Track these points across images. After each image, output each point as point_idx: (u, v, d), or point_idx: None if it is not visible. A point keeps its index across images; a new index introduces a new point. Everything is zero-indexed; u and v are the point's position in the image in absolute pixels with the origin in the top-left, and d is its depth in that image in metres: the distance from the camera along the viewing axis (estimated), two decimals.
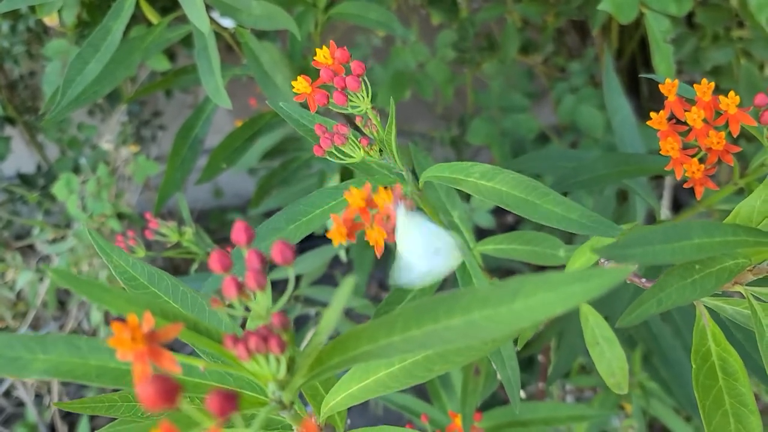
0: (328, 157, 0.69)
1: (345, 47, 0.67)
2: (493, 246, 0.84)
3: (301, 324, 1.50)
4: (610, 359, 0.70)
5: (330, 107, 0.67)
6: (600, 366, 0.70)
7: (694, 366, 0.55)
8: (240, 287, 0.37)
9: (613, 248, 0.46)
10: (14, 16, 1.73)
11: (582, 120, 1.39)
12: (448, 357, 0.42)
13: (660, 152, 0.72)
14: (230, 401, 0.26)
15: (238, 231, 0.38)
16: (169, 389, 0.26)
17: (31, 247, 1.99)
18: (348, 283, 0.33)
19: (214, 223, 2.37)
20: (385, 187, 0.63)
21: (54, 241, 1.83)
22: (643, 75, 0.77)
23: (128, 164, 1.84)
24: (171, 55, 1.90)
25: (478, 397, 0.88)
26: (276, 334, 0.35)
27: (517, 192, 0.66)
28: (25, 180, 2.02)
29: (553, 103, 1.69)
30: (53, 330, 1.99)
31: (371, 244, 0.60)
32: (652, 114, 0.71)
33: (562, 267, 0.78)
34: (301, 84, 0.66)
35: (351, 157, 0.70)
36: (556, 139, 1.55)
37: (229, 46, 1.24)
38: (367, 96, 0.66)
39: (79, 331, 1.93)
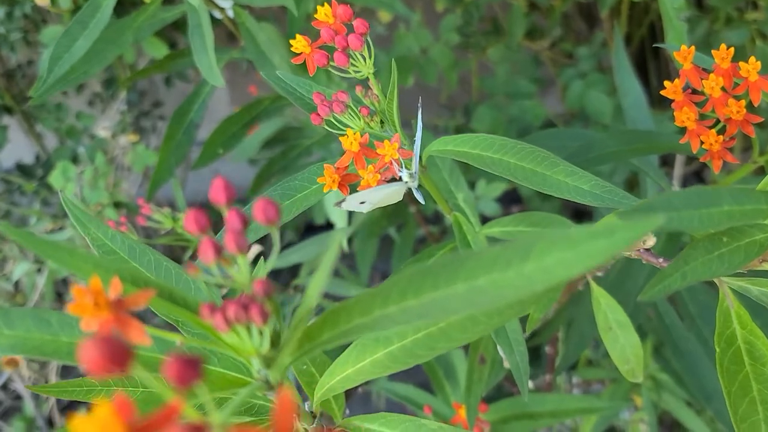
0: (326, 127, 0.65)
1: (348, 4, 0.63)
2: (499, 228, 0.80)
3: None
4: (624, 345, 0.66)
5: (330, 68, 0.63)
6: (613, 352, 0.66)
7: (718, 350, 0.51)
8: (218, 250, 0.33)
9: (634, 213, 0.41)
10: (10, 1, 1.69)
11: (590, 106, 1.34)
12: (450, 333, 0.38)
13: (675, 123, 0.67)
14: (192, 368, 0.22)
15: (216, 189, 0.34)
16: (118, 352, 0.21)
17: None
18: (336, 241, 0.29)
19: (214, 215, 2.33)
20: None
21: (52, 231, 1.79)
22: (657, 45, 0.72)
23: (127, 153, 1.80)
24: (172, 43, 1.86)
25: (483, 386, 0.84)
26: (258, 302, 0.31)
27: (525, 163, 0.61)
28: (23, 170, 1.98)
29: (560, 90, 1.64)
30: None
31: (359, 188, 0.56)
32: (666, 83, 0.66)
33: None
34: (299, 43, 0.62)
35: (350, 127, 0.66)
36: (563, 125, 1.50)
37: (230, 34, 1.20)
38: (370, 58, 0.62)
39: None
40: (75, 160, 1.86)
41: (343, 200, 0.51)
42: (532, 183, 0.60)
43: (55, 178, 1.59)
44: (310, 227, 2.24)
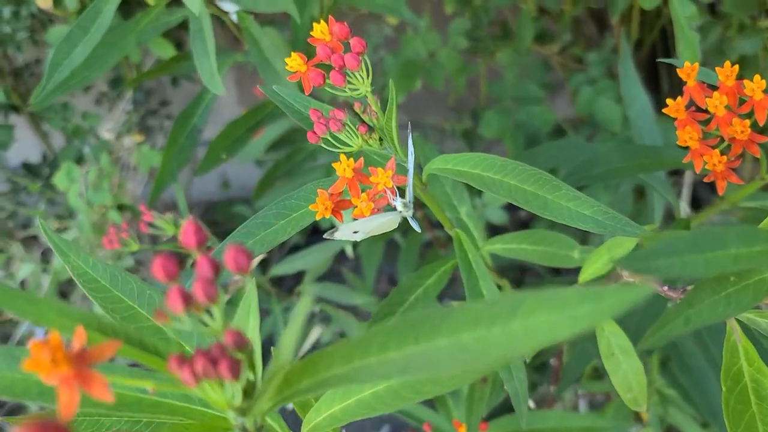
0: (323, 145, 0.63)
1: (345, 23, 0.61)
2: (501, 245, 0.78)
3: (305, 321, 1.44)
4: (627, 372, 0.64)
5: (327, 88, 0.61)
6: (615, 379, 0.64)
7: (724, 388, 0.49)
8: (188, 299, 0.31)
9: (634, 259, 0.39)
10: (17, 0, 1.68)
11: (599, 113, 1.31)
12: (438, 380, 0.36)
13: (678, 143, 0.65)
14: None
15: (187, 233, 0.32)
16: None
17: (35, 237, 1.95)
18: (305, 301, 0.27)
19: (220, 215, 2.32)
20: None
21: (57, 231, 1.78)
22: (661, 60, 0.69)
23: (132, 154, 1.79)
24: (178, 43, 1.84)
25: (484, 405, 0.82)
26: (228, 356, 0.29)
27: (527, 186, 0.59)
28: (29, 169, 1.98)
29: (569, 95, 1.62)
30: None
31: (353, 215, 0.54)
32: (669, 101, 0.64)
33: (577, 270, 0.71)
34: (294, 61, 0.60)
35: (348, 145, 0.64)
36: (572, 133, 1.47)
37: (235, 38, 1.18)
38: (368, 77, 0.60)
39: None
40: (81, 160, 1.85)
41: (336, 230, 0.49)
42: (532, 206, 0.58)
43: (59, 179, 1.59)
44: (317, 229, 2.23)
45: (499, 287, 0.80)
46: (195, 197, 2.31)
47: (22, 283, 1.84)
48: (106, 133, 1.62)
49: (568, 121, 1.63)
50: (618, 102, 1.32)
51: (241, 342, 0.30)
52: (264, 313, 1.36)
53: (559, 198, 0.57)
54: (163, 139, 2.16)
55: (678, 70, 0.65)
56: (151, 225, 1.06)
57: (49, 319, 0.32)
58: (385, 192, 0.50)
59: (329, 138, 0.62)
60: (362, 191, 0.52)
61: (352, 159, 0.52)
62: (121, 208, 1.56)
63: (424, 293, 0.77)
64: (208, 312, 0.32)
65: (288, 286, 1.72)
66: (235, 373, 0.29)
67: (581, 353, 0.79)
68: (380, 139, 0.65)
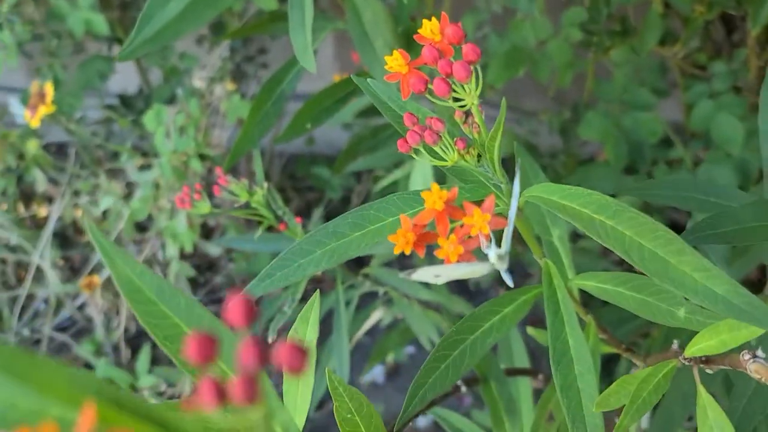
0: (413, 156, 0.55)
1: (459, 24, 0.51)
2: (594, 283, 0.68)
3: (367, 301, 1.38)
4: None
5: (427, 96, 0.52)
6: None
7: None
8: (223, 396, 0.24)
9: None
10: None
11: (718, 130, 1.17)
12: None
13: None
14: None
15: (234, 310, 0.25)
16: None
17: (121, 170, 1.95)
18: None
19: (301, 170, 2.27)
20: (476, 202, 0.49)
21: (141, 167, 1.77)
22: None
23: (222, 102, 1.74)
24: None
25: None
26: None
27: (645, 241, 0.49)
28: (124, 101, 1.97)
29: (680, 101, 1.46)
30: (133, 251, 1.97)
31: (440, 257, 0.46)
32: None
33: (680, 331, 0.61)
34: (396, 61, 0.51)
35: (442, 159, 0.55)
36: (681, 145, 1.33)
37: (336, 2, 1.09)
38: (477, 88, 0.51)
39: (154, 261, 1.89)
40: (173, 99, 1.82)
41: (414, 271, 0.41)
42: (648, 268, 0.48)
43: (148, 119, 1.56)
44: None
45: (583, 323, 0.71)
46: (278, 148, 2.27)
47: (104, 213, 1.85)
48: (198, 81, 1.57)
49: (673, 126, 1.48)
50: (742, 120, 1.16)
51: None
52: (327, 284, 1.30)
53: (683, 264, 0.47)
54: (255, 87, 2.11)
55: None
56: (225, 190, 1.00)
57: (56, 388, 0.25)
58: (479, 237, 0.42)
59: (421, 149, 0.54)
60: (451, 228, 0.44)
61: (444, 191, 0.43)
62: (203, 157, 1.52)
63: (501, 322, 0.68)
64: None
65: (352, 265, 1.66)
66: None
67: (666, 418, 0.69)
68: (478, 156, 0.56)
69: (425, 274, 0.42)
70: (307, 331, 0.60)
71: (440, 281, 0.42)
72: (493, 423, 0.90)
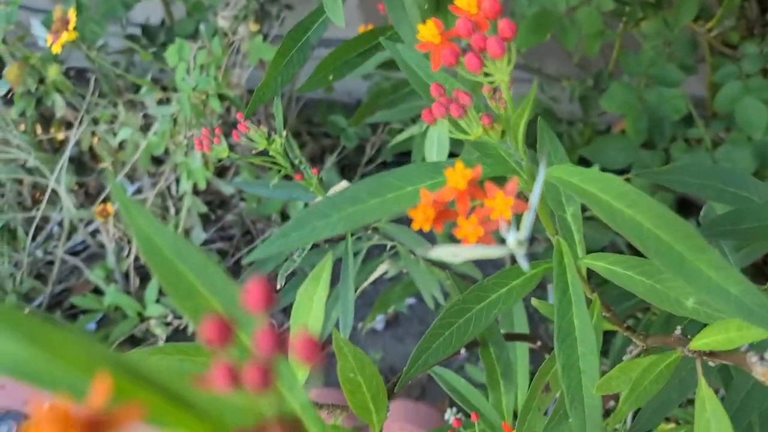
0: (435, 126, 0.54)
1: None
2: (603, 264, 0.67)
3: (374, 254, 1.38)
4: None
5: (458, 69, 0.51)
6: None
7: None
8: (236, 380, 0.24)
9: None
10: None
11: (742, 113, 1.14)
12: None
13: None
14: None
15: (253, 293, 0.25)
16: None
17: (141, 102, 1.94)
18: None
19: (318, 116, 2.25)
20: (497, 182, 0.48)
21: (160, 102, 1.75)
22: None
23: (244, 42, 1.71)
24: None
25: (540, 418, 0.74)
26: None
27: (662, 233, 0.48)
28: (146, 32, 1.94)
29: (707, 82, 1.42)
30: (147, 185, 1.97)
31: (454, 232, 0.45)
32: None
33: (688, 320, 0.61)
34: (428, 30, 0.49)
35: (465, 132, 0.54)
36: (701, 125, 1.30)
37: None
38: (508, 64, 0.49)
39: (167, 195, 1.90)
40: (195, 35, 1.79)
41: (433, 247, 0.41)
42: (665, 260, 0.47)
43: (170, 54, 1.54)
44: (404, 153, 2.12)
45: (590, 301, 0.71)
46: (297, 92, 2.24)
47: (121, 144, 1.85)
48: (222, 20, 1.54)
49: (693, 101, 1.45)
50: (767, 104, 1.14)
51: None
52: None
53: (699, 261, 0.46)
54: (278, 28, 2.07)
55: None
56: (244, 136, 0.99)
57: (71, 356, 0.25)
58: (499, 220, 0.41)
59: (446, 121, 0.53)
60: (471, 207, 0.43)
61: (468, 170, 0.42)
62: (222, 98, 1.51)
63: (507, 294, 0.68)
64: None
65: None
66: None
67: (657, 402, 0.69)
68: (502, 132, 0.55)
69: (443, 251, 0.41)
70: (318, 289, 0.61)
71: (457, 260, 0.42)
72: (488, 384, 0.91)
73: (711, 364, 0.56)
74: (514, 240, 0.40)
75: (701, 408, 0.52)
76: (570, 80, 1.54)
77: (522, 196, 0.48)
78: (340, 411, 0.70)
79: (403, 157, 2.26)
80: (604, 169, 1.26)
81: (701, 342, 0.54)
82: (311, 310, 0.60)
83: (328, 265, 0.58)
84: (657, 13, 1.22)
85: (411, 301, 1.97)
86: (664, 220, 0.48)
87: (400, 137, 1.42)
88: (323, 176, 2.03)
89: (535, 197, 0.42)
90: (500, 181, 0.47)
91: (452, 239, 0.45)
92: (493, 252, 0.41)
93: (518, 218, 0.44)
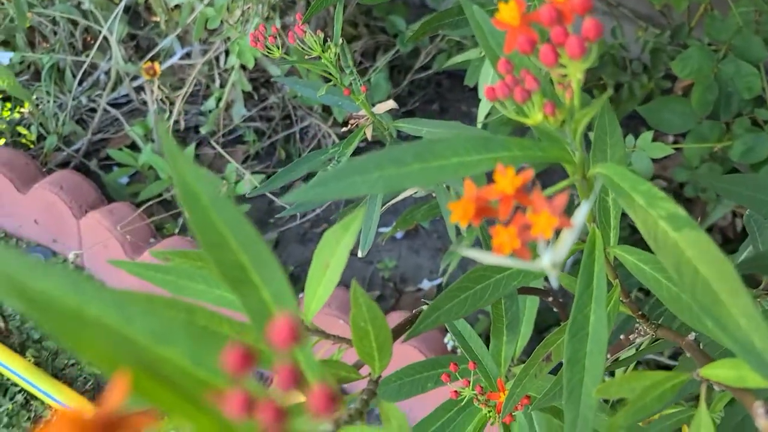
0: (497, 106, 0.51)
1: None
2: (633, 260, 0.66)
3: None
4: None
5: (531, 58, 0.47)
6: None
7: None
8: (251, 408, 0.24)
9: None
10: None
11: None
12: None
13: None
14: None
15: (281, 329, 0.24)
16: None
17: None
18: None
19: (379, 10, 2.16)
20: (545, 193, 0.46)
21: None
22: None
23: None
24: None
25: (533, 383, 0.76)
26: None
27: (702, 267, 0.47)
28: None
29: None
30: (197, 51, 1.94)
31: (493, 246, 0.44)
32: None
33: (708, 338, 0.60)
34: (509, 12, 0.45)
35: (524, 115, 0.51)
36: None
37: None
38: (583, 62, 0.45)
39: (215, 66, 1.87)
40: None
41: (464, 246, 0.40)
42: (697, 295, 0.46)
43: None
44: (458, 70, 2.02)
45: (610, 284, 0.70)
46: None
47: (177, 6, 1.80)
48: None
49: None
50: None
51: None
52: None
53: (733, 306, 0.45)
54: None
55: None
56: (300, 41, 0.95)
57: (98, 350, 0.25)
58: (538, 238, 0.39)
59: (506, 103, 0.50)
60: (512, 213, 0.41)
61: (519, 178, 0.40)
62: None
63: (519, 271, 0.67)
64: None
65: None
66: None
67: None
68: (563, 121, 0.52)
69: (474, 252, 0.40)
70: (346, 235, 0.60)
71: (488, 262, 0.41)
72: (492, 333, 0.92)
73: (716, 388, 0.55)
74: (550, 260, 0.39)
75: (696, 430, 0.52)
76: (646, 31, 1.45)
77: (568, 218, 0.45)
78: (346, 343, 0.71)
79: (456, 71, 2.18)
80: (656, 132, 1.20)
81: (712, 372, 0.53)
82: (335, 253, 0.60)
83: (360, 218, 0.57)
84: None
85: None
86: (709, 255, 0.46)
87: (457, 59, 1.36)
88: (371, 78, 1.97)
89: (580, 218, 0.40)
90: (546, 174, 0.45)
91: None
92: (524, 266, 0.39)
93: (557, 233, 0.42)
